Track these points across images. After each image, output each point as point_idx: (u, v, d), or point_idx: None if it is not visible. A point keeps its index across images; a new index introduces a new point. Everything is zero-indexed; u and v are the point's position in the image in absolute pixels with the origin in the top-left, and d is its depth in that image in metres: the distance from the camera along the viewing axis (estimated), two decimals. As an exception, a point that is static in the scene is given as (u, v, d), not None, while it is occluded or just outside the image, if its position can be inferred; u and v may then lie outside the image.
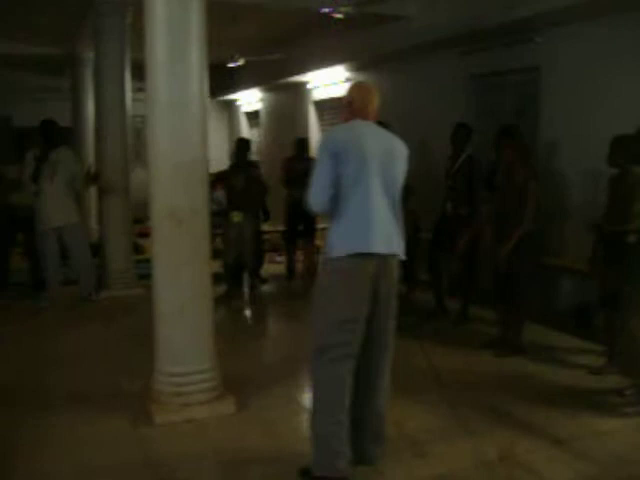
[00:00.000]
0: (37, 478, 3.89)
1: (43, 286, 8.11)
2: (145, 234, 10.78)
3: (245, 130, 16.33)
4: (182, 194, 4.51)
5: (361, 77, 10.62)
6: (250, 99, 15.55)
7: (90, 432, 4.49)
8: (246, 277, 8.76)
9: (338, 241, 3.61)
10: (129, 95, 8.59)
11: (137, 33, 8.04)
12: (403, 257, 3.76)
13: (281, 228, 9.79)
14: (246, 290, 8.73)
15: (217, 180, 8.30)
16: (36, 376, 5.66)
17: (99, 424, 4.59)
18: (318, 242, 9.38)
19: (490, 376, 5.55)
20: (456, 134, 7.00)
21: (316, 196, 3.64)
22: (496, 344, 6.10)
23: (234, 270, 8.44)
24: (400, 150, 3.78)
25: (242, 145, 8.55)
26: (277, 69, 12.36)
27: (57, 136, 8.00)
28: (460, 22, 7.55)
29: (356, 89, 3.94)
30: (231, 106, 16.90)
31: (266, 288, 9.07)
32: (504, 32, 7.38)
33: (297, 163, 9.16)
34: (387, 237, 3.63)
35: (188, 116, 4.48)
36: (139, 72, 8.45)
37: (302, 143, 9.53)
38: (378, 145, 3.67)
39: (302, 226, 9.23)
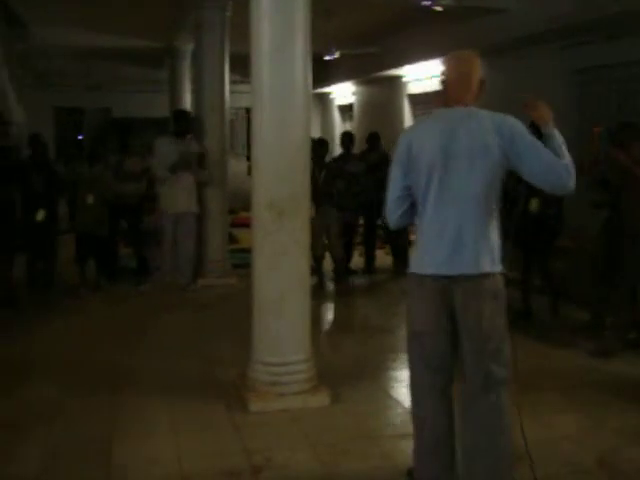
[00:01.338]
0: (139, 462, 3.96)
1: (145, 272, 8.34)
2: (238, 224, 10.98)
3: (338, 123, 16.35)
4: (283, 185, 4.55)
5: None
6: (344, 92, 15.55)
7: (187, 417, 4.57)
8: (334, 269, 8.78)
9: (413, 256, 3.32)
10: (227, 87, 8.70)
11: (235, 26, 8.23)
12: (493, 270, 3.15)
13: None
14: (334, 282, 8.73)
15: None
16: (133, 361, 5.80)
17: (196, 410, 4.67)
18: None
19: (587, 377, 5.35)
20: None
21: (388, 210, 3.36)
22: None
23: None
24: (494, 142, 3.09)
25: (320, 142, 8.69)
26: (372, 62, 12.32)
27: (189, 126, 8.26)
28: (564, 15, 7.34)
29: (447, 63, 3.32)
30: (324, 99, 16.94)
31: (355, 280, 9.06)
32: (611, 24, 7.14)
33: (367, 158, 9.24)
34: (457, 254, 3.12)
35: (292, 107, 4.51)
36: (233, 65, 8.64)
37: (372, 138, 9.52)
38: (462, 141, 3.10)
39: (381, 221, 9.23)
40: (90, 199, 8.04)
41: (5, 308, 7.18)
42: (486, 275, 3.14)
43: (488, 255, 3.14)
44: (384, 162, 9.41)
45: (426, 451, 3.35)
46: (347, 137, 9.49)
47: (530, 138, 3.14)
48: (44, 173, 7.82)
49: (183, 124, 8.23)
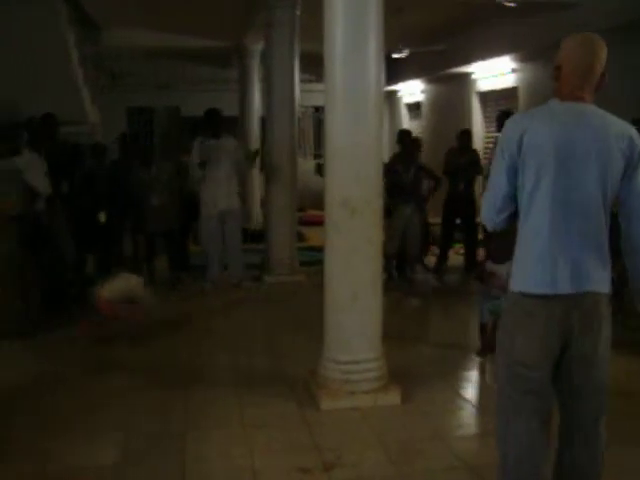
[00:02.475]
0: (211, 456, 4.01)
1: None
2: (306, 222, 11.03)
3: (406, 121, 16.26)
4: (356, 184, 4.54)
5: (527, 68, 10.31)
6: (412, 90, 15.46)
7: (258, 413, 4.60)
8: (408, 268, 8.72)
9: (516, 271, 2.82)
10: (297, 86, 8.74)
11: (304, 25, 8.27)
12: (606, 291, 2.76)
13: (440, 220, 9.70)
14: (407, 281, 8.68)
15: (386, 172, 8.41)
16: (204, 356, 5.89)
17: (266, 406, 4.70)
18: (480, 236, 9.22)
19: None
20: None
21: (486, 212, 2.89)
22: None
23: (398, 261, 8.49)
24: (618, 148, 2.69)
25: (414, 140, 8.61)
26: (441, 60, 12.23)
27: (221, 124, 8.28)
28: (636, 7, 7.16)
29: (566, 47, 2.77)
30: (392, 97, 16.86)
31: (426, 280, 8.98)
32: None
33: (458, 156, 9.12)
34: (575, 270, 2.69)
35: (365, 106, 4.50)
36: (302, 63, 8.68)
37: (464, 135, 9.41)
38: (583, 141, 2.68)
39: (460, 220, 9.16)
40: (155, 200, 8.17)
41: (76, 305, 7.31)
42: (603, 295, 2.76)
43: (604, 272, 2.76)
44: (475, 164, 9.32)
45: None
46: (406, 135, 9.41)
47: None
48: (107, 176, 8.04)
49: (214, 123, 8.20)
